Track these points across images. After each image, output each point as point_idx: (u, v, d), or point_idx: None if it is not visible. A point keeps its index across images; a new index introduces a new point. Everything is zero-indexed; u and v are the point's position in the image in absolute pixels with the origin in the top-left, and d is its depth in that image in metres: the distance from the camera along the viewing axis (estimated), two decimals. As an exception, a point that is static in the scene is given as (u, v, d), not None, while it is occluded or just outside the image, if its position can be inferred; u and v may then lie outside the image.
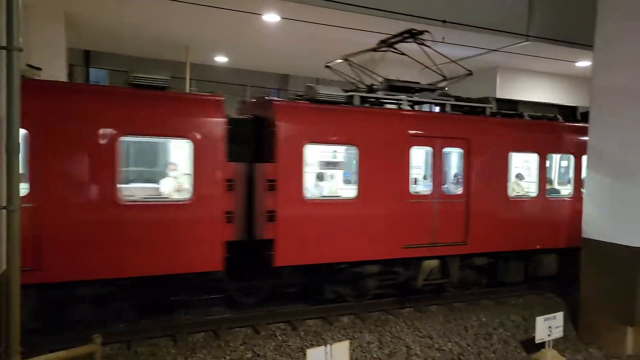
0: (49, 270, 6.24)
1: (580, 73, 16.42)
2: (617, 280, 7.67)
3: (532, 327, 7.47)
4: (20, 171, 4.97)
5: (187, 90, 15.39)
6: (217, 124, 7.12)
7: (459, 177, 9.26)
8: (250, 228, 7.56)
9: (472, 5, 11.76)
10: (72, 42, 13.27)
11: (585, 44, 10.72)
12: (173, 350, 6.76)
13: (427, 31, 9.63)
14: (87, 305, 6.89)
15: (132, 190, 7.54)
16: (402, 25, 11.33)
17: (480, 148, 9.11)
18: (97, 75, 18.26)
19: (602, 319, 7.90)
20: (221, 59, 16.95)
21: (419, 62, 10.06)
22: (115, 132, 6.58)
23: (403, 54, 10.07)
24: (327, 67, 10.12)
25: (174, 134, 7.07)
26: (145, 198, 7.33)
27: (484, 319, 8.49)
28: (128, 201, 6.76)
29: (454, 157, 9.82)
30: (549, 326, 7.23)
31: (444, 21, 10.94)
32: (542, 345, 7.28)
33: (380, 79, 9.63)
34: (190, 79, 15.61)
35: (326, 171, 9.08)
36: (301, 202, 7.65)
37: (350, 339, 7.25)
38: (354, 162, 8.27)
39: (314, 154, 8.60)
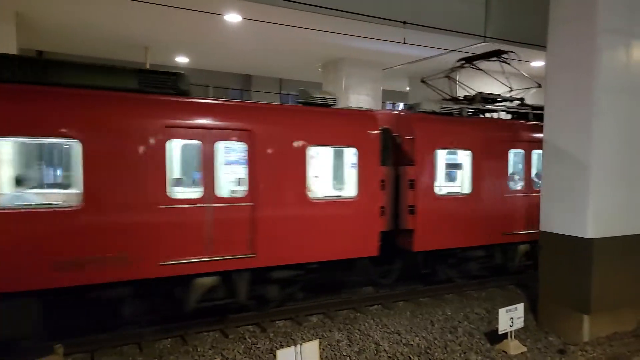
0: (261, 257, 7.61)
1: (535, 73, 17.06)
2: (573, 270, 8.02)
3: (495, 318, 7.71)
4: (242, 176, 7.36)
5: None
6: (374, 134, 8.66)
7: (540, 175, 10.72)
8: (395, 220, 9.25)
9: (432, 8, 12.03)
10: (24, 42, 12.76)
11: (539, 44, 11.18)
12: (139, 358, 6.62)
13: (512, 51, 11.46)
14: (279, 286, 8.21)
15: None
16: (361, 26, 11.53)
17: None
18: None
19: (559, 308, 8.24)
20: (182, 60, 16.68)
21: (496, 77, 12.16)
22: (305, 142, 7.96)
23: (479, 69, 11.93)
24: (423, 82, 11.58)
25: (346, 144, 8.57)
26: (326, 196, 8.72)
27: (449, 313, 8.71)
28: (315, 199, 8.16)
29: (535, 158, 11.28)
30: (510, 317, 7.47)
31: (405, 22, 11.14)
32: (505, 336, 7.52)
33: (472, 92, 11.58)
34: (150, 80, 15.27)
35: (450, 171, 10.84)
36: (434, 198, 9.39)
37: (319, 338, 7.31)
38: (470, 164, 9.93)
39: (441, 158, 10.20)
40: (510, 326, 7.47)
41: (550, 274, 8.43)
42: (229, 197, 7.63)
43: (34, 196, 7.06)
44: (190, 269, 7.08)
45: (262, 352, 6.95)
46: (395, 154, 9.33)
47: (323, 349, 7.01)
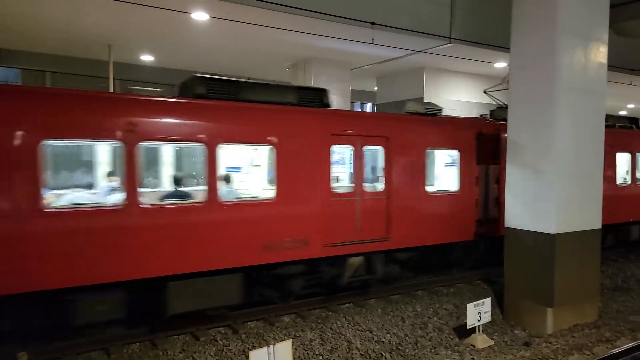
0: (394, 240, 9.14)
1: (497, 73, 17.54)
2: (537, 265, 8.30)
3: (463, 314, 7.89)
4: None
5: (111, 90, 14.67)
6: (471, 138, 10.41)
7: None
8: (484, 210, 10.81)
9: (399, 9, 12.17)
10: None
11: (502, 46, 11.49)
12: (107, 364, 6.45)
13: None
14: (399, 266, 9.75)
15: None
16: (330, 27, 11.55)
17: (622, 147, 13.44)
18: (8, 75, 16.85)
19: (524, 302, 8.51)
20: (147, 58, 16.29)
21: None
22: (425, 146, 9.64)
23: None
24: (485, 92, 13.22)
25: (452, 147, 10.22)
26: (438, 190, 10.32)
27: (420, 309, 8.85)
28: (431, 192, 9.88)
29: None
30: (478, 312, 7.67)
31: (373, 23, 11.24)
32: (473, 330, 7.71)
33: None
34: (113, 79, 14.87)
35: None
36: None
37: (292, 338, 7.29)
38: None
39: None
40: (478, 320, 7.66)
41: (515, 269, 8.70)
42: (371, 192, 9.06)
43: (242, 191, 8.76)
44: (345, 250, 8.58)
45: (234, 354, 6.89)
46: (484, 155, 10.75)
47: (296, 349, 7.01)
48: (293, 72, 16.86)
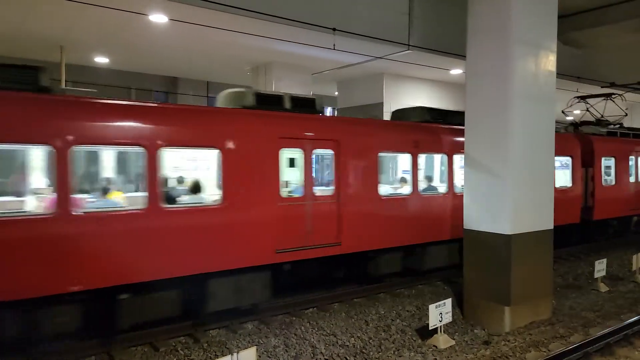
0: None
1: (454, 80, 18.07)
2: (494, 265, 8.57)
3: (425, 315, 8.04)
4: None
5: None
6: (579, 148, 14.05)
7: None
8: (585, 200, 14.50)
9: (360, 16, 12.33)
10: None
11: (458, 53, 11.83)
12: (61, 379, 6.15)
13: (613, 93, 16.93)
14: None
15: None
16: (291, 31, 11.59)
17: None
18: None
19: (483, 301, 8.76)
20: (101, 60, 15.76)
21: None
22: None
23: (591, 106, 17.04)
24: (563, 112, 17.60)
25: (568, 154, 13.71)
26: (561, 186, 13.35)
27: (382, 312, 8.93)
28: (557, 187, 12.19)
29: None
30: (440, 313, 7.82)
31: (334, 29, 11.33)
32: (435, 331, 7.86)
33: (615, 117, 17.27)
34: (66, 81, 14.29)
35: (607, 170, 15.51)
36: (601, 187, 14.79)
37: (256, 345, 7.19)
38: (613, 164, 15.45)
39: (605, 163, 15.37)
40: (440, 321, 7.82)
41: (474, 270, 8.95)
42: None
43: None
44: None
45: (197, 364, 6.73)
46: (587, 160, 14.44)
47: (260, 356, 6.92)
48: (254, 76, 16.76)
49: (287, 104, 8.88)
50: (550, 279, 9.30)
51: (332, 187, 9.07)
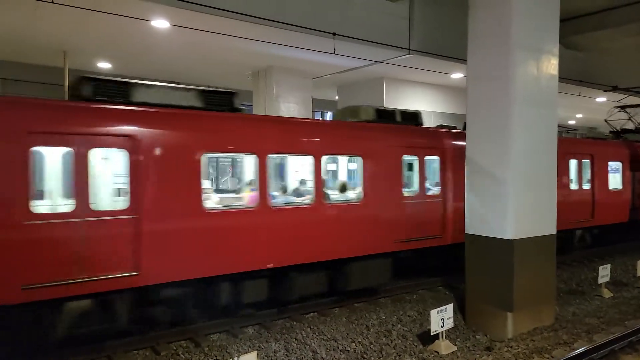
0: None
1: (454, 84, 18.06)
2: (496, 270, 8.51)
3: (426, 320, 7.98)
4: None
5: (67, 98, 14.13)
6: (626, 152, 15.44)
7: None
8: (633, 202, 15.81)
9: (360, 20, 12.36)
10: None
11: (459, 57, 11.83)
12: (61, 385, 6.13)
13: None
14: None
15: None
16: (292, 36, 11.59)
17: None
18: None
19: (485, 307, 8.70)
20: (104, 65, 15.82)
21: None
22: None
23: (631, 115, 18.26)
24: (606, 121, 18.00)
25: (619, 160, 15.24)
26: (613, 188, 14.97)
27: (384, 317, 8.88)
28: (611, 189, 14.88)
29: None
30: (441, 318, 7.76)
31: (334, 34, 11.35)
32: (436, 336, 7.80)
33: None
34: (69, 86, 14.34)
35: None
36: None
37: (256, 349, 7.15)
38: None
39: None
40: (441, 327, 7.76)
41: (476, 275, 8.89)
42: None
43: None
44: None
45: (197, 369, 6.70)
46: (635, 165, 15.76)
47: (260, 361, 6.89)
48: (254, 80, 16.80)
49: (398, 117, 10.76)
50: (553, 284, 9.24)
51: (438, 188, 10.69)
